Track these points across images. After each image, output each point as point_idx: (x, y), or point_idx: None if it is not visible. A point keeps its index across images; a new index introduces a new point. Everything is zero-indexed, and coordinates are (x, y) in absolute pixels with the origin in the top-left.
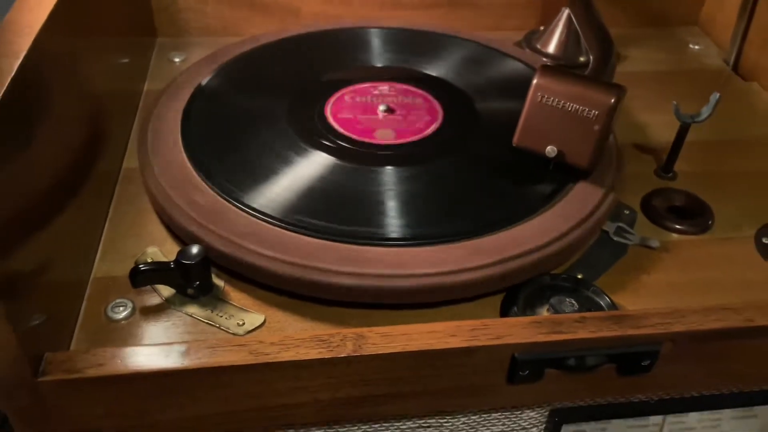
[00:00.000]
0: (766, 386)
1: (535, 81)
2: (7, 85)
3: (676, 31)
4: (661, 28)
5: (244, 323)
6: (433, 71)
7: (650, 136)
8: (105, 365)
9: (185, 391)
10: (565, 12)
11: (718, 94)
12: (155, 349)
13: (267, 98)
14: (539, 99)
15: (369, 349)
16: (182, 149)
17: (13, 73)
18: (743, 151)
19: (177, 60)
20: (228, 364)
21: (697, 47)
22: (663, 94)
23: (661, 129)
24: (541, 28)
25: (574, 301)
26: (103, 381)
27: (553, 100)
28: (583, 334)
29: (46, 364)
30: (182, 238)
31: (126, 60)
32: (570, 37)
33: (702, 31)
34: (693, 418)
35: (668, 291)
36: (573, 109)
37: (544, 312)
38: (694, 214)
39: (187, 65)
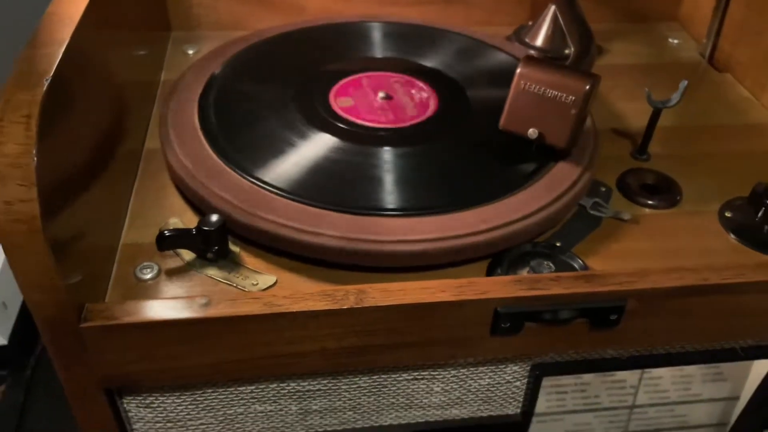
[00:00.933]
0: (727, 343)
1: (518, 70)
2: (54, 68)
3: (656, 26)
4: (642, 24)
5: (258, 283)
6: (428, 62)
7: (628, 122)
8: (138, 314)
9: (208, 339)
10: (552, 8)
11: (686, 82)
12: (182, 300)
13: (275, 85)
14: (522, 86)
15: (369, 302)
16: (199, 130)
17: (59, 59)
18: (713, 136)
19: (190, 52)
20: (246, 314)
21: (675, 41)
22: (642, 85)
23: (639, 116)
24: (530, 23)
25: (551, 264)
26: (136, 327)
27: (534, 87)
28: (557, 290)
29: (87, 312)
30: (201, 209)
31: (144, 52)
32: (556, 32)
33: (681, 26)
34: (666, 380)
35: (636, 257)
36: (552, 95)
37: (524, 273)
38: (664, 191)
39: (200, 56)
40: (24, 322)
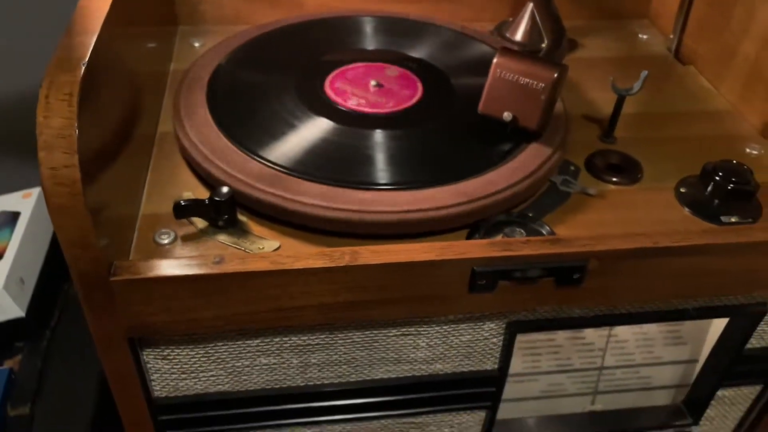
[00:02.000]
0: (680, 304)
1: (495, 60)
2: (89, 54)
3: (628, 23)
4: (615, 21)
5: (263, 248)
6: (416, 53)
7: (598, 109)
8: (160, 269)
9: (220, 293)
10: (530, 6)
11: (646, 72)
12: (198, 258)
13: (277, 74)
14: (498, 74)
15: (362, 261)
16: (209, 114)
17: (92, 46)
18: (674, 122)
19: (197, 45)
20: (254, 270)
21: (645, 37)
22: (613, 77)
23: (609, 104)
24: (510, 19)
25: (523, 231)
26: (158, 281)
27: (509, 75)
28: (526, 251)
29: (115, 267)
30: (211, 184)
31: (155, 44)
32: (534, 27)
33: (650, 23)
34: (631, 343)
35: (599, 226)
36: (525, 82)
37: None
38: (627, 170)
39: (206, 49)
40: (40, 296)
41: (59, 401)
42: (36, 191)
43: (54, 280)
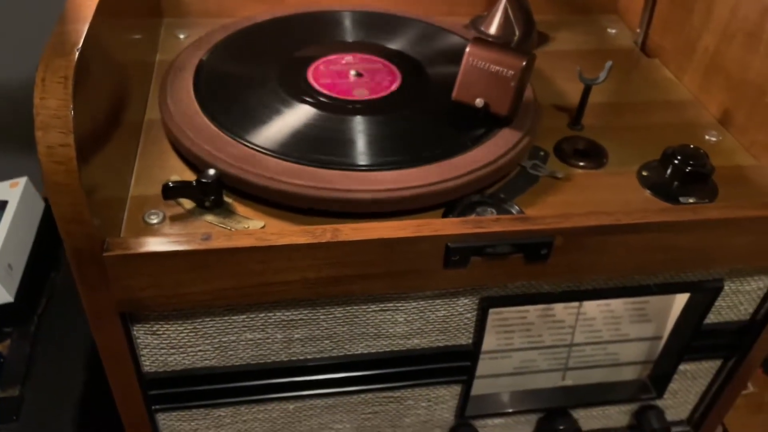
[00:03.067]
0: (642, 280)
1: (468, 49)
2: (82, 41)
3: (597, 18)
4: (585, 16)
5: (248, 227)
6: (394, 45)
7: (567, 99)
8: (150, 246)
9: (208, 268)
10: (503, 0)
11: (611, 62)
12: (186, 235)
13: (261, 64)
14: (471, 63)
15: (343, 237)
16: (195, 102)
17: (85, 33)
18: (639, 111)
19: (182, 36)
20: (240, 246)
21: (613, 31)
22: (583, 69)
23: (577, 94)
24: (485, 13)
25: (494, 210)
26: (148, 257)
27: (481, 64)
28: (496, 228)
29: (108, 244)
30: (198, 167)
31: (141, 36)
32: (507, 21)
33: (619, 18)
34: (599, 321)
35: (566, 207)
36: (495, 70)
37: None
38: (593, 155)
39: (190, 41)
40: (28, 281)
41: (48, 383)
42: (23, 181)
43: (41, 268)
